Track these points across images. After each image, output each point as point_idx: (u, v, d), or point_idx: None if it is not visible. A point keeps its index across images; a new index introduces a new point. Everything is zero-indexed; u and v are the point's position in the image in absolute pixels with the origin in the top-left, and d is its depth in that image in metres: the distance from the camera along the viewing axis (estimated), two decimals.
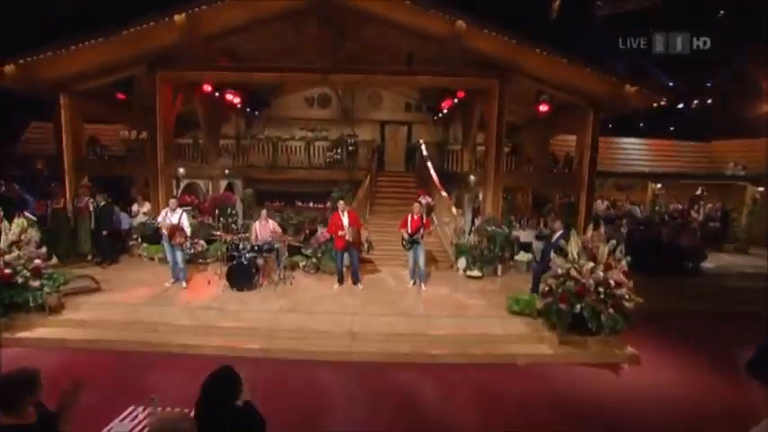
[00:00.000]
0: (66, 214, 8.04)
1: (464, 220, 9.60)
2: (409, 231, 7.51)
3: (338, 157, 13.10)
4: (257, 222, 7.94)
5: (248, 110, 13.68)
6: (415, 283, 7.67)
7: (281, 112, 14.98)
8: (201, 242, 9.04)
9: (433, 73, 9.52)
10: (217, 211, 10.17)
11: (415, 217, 7.55)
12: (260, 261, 7.48)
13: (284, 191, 13.84)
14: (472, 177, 10.76)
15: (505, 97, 9.10)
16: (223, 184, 12.73)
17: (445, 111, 12.99)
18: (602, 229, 6.03)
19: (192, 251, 8.78)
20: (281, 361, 5.25)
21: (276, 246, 7.72)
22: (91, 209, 8.29)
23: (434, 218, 10.51)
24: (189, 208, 9.50)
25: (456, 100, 11.46)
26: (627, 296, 5.34)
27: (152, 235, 8.69)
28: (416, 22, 8.48)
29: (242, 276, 7.04)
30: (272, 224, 7.91)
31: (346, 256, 7.65)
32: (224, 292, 6.92)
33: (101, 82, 8.86)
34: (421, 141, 13.64)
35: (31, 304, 5.58)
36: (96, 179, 9.87)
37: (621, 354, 5.48)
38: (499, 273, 8.64)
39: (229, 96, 11.24)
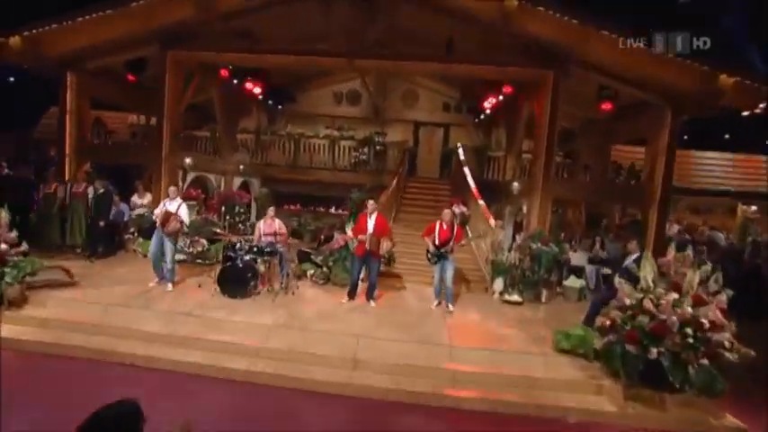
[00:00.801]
0: (55, 200, 7.70)
1: (504, 234, 8.55)
2: (436, 243, 6.61)
3: (364, 157, 12.44)
4: (262, 221, 7.38)
5: (271, 103, 13.32)
6: (439, 304, 6.75)
7: (306, 107, 14.57)
8: (203, 241, 8.51)
9: (476, 61, 8.67)
10: (223, 209, 9.67)
11: (445, 227, 6.63)
12: (261, 265, 6.80)
13: (304, 193, 13.27)
14: (515, 185, 9.69)
15: (561, 92, 8.15)
16: (237, 181, 12.30)
17: (488, 111, 12.05)
18: (690, 251, 4.85)
19: (192, 251, 8.29)
20: (264, 387, 4.50)
21: (280, 249, 7.02)
22: (90, 196, 7.95)
23: (469, 231, 9.51)
24: (193, 203, 9.03)
25: (501, 97, 10.51)
26: (728, 344, 4.12)
27: (149, 229, 8.20)
28: (457, 1, 7.69)
29: (235, 281, 6.35)
30: (277, 223, 7.27)
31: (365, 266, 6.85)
32: (214, 297, 6.25)
33: (110, 61, 8.67)
34: (459, 145, 12.75)
35: None
36: (100, 166, 9.62)
37: (719, 424, 4.22)
38: (543, 299, 7.61)
39: (249, 85, 10.85)
